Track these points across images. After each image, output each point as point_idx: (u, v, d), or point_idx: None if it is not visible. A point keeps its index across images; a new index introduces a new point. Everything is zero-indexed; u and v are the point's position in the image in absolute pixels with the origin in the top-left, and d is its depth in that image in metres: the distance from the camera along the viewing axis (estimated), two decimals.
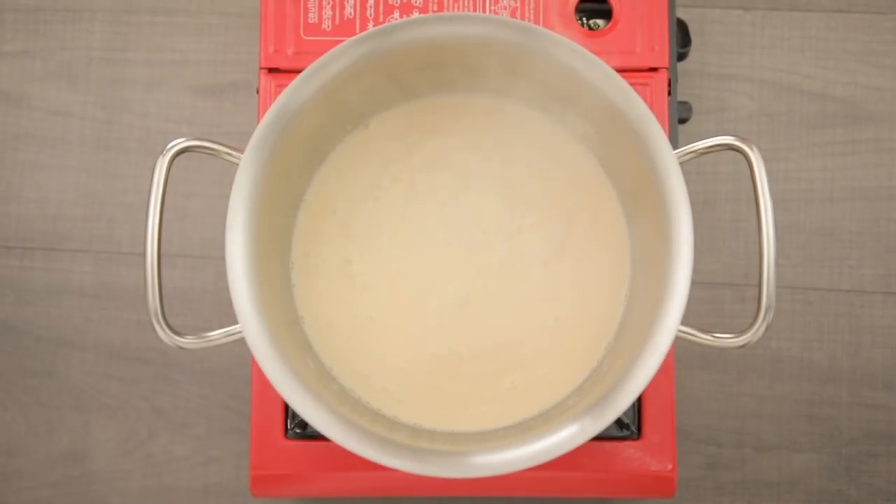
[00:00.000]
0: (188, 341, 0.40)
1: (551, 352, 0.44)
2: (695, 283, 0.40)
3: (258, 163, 0.40)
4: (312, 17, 0.47)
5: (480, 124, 0.45)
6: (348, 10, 0.47)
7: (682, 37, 0.49)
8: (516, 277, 0.44)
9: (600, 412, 0.38)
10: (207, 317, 0.57)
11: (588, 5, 0.47)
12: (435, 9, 0.47)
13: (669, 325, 0.38)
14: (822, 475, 0.55)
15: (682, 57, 0.49)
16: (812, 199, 0.57)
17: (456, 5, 0.47)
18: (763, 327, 0.39)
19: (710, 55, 0.58)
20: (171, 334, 0.40)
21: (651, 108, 0.41)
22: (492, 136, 0.45)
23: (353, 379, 0.43)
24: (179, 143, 0.41)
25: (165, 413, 0.56)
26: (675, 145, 0.45)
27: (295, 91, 0.40)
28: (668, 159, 0.39)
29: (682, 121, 0.49)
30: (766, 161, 0.50)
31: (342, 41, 0.40)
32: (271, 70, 0.46)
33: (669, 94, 0.46)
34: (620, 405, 0.37)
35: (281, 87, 0.45)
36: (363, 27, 0.47)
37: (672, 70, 0.47)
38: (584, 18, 0.47)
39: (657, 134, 0.39)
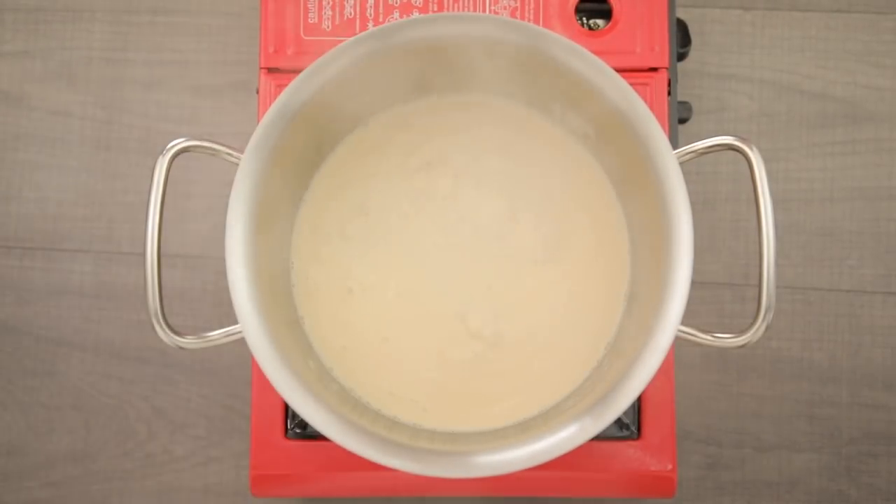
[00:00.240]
0: (188, 341, 0.40)
1: (551, 351, 0.44)
2: (695, 283, 0.40)
3: (258, 163, 0.40)
4: (312, 17, 0.47)
5: (479, 124, 0.45)
6: (348, 10, 0.47)
7: (682, 37, 0.49)
8: (516, 278, 0.44)
9: (600, 412, 0.38)
10: (207, 317, 0.57)
11: (588, 5, 0.47)
12: (435, 9, 0.47)
13: (669, 325, 0.38)
14: (822, 475, 0.55)
15: (682, 57, 0.49)
16: (812, 199, 0.57)
17: (456, 5, 0.47)
18: (763, 327, 0.39)
19: (710, 55, 0.58)
20: (171, 334, 0.40)
21: (651, 108, 0.41)
22: (492, 136, 0.45)
23: (376, 396, 0.44)
24: (179, 143, 0.41)
25: (165, 413, 0.56)
26: (675, 145, 0.45)
27: (295, 91, 0.40)
28: (668, 159, 0.39)
29: (682, 121, 0.49)
30: (766, 161, 0.50)
31: (342, 41, 0.40)
32: (271, 70, 0.46)
33: (669, 94, 0.46)
34: (620, 405, 0.37)
35: (281, 87, 0.45)
36: (363, 27, 0.47)
37: (672, 70, 0.47)
38: (584, 18, 0.47)
39: (657, 134, 0.39)
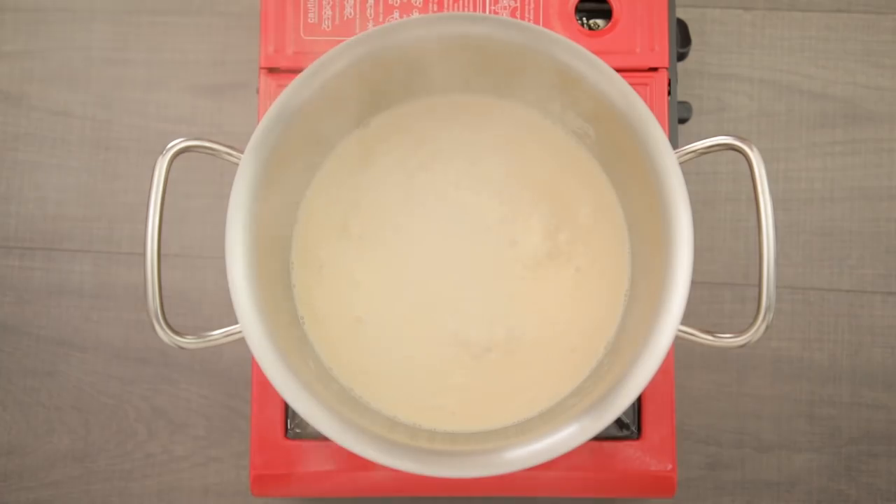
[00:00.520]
0: (188, 341, 0.40)
1: (551, 351, 0.44)
2: (695, 283, 0.40)
3: (258, 163, 0.40)
4: (312, 17, 0.47)
5: (480, 124, 0.45)
6: (348, 10, 0.47)
7: (682, 37, 0.49)
8: (516, 278, 0.44)
9: (600, 412, 0.38)
10: (207, 317, 0.57)
11: (588, 5, 0.47)
12: (435, 9, 0.47)
13: (669, 325, 0.38)
14: (822, 475, 0.55)
15: (682, 57, 0.49)
16: (812, 199, 0.57)
17: (456, 5, 0.47)
18: (763, 327, 0.39)
19: (710, 55, 0.58)
20: (171, 334, 0.40)
21: (651, 108, 0.41)
22: (492, 135, 0.45)
23: (376, 396, 0.44)
24: (179, 143, 0.41)
25: (165, 413, 0.56)
26: (675, 145, 0.45)
27: (295, 91, 0.40)
28: (668, 159, 0.39)
29: (682, 121, 0.49)
30: (766, 161, 0.50)
31: (342, 41, 0.40)
32: (271, 70, 0.46)
33: (669, 94, 0.46)
34: (620, 405, 0.37)
35: (281, 87, 0.45)
36: (363, 27, 0.47)
37: (672, 70, 0.47)
38: (584, 18, 0.47)
39: (657, 134, 0.39)
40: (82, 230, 0.58)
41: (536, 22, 0.46)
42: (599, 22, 0.47)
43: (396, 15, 0.47)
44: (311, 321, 0.44)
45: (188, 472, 0.56)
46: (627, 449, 0.46)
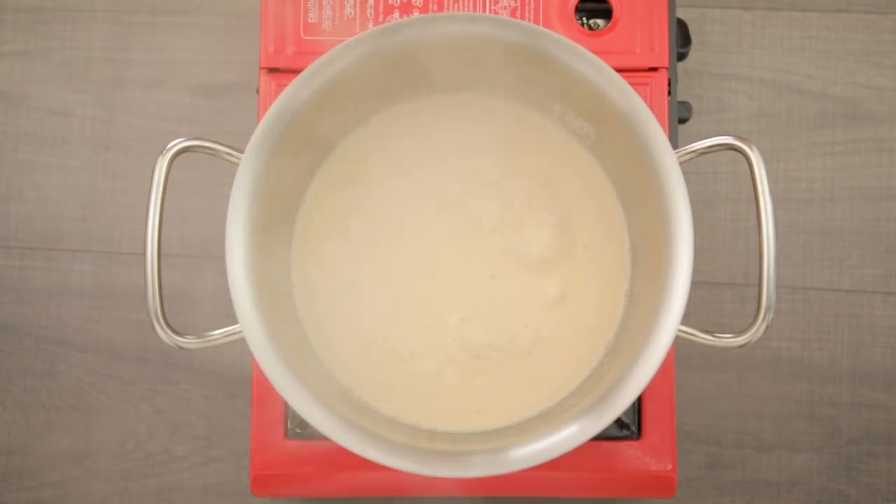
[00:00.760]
0: (188, 341, 0.40)
1: (551, 351, 0.44)
2: (695, 283, 0.40)
3: (258, 163, 0.40)
4: (312, 17, 0.47)
5: (480, 124, 0.45)
6: (348, 10, 0.47)
7: (682, 37, 0.49)
8: (516, 277, 0.44)
9: (600, 412, 0.37)
10: (207, 317, 0.57)
11: (588, 5, 0.47)
12: (435, 9, 0.47)
13: (669, 325, 0.38)
14: (822, 475, 0.55)
15: (682, 57, 0.49)
16: (812, 199, 0.57)
17: (456, 5, 0.47)
18: (763, 327, 0.39)
19: (710, 55, 0.58)
20: (171, 334, 0.40)
21: (651, 108, 0.41)
22: (492, 135, 0.45)
23: (376, 396, 0.44)
24: (179, 143, 0.41)
25: (165, 413, 0.56)
26: (675, 145, 0.45)
27: (295, 91, 0.40)
28: (668, 159, 0.39)
29: (682, 121, 0.48)
30: (766, 161, 0.50)
31: (342, 41, 0.40)
32: (271, 70, 0.46)
33: (669, 94, 0.46)
34: (620, 405, 0.37)
35: (281, 87, 0.45)
36: (363, 27, 0.47)
37: (672, 70, 0.47)
38: (584, 18, 0.47)
39: (657, 134, 0.39)
40: (82, 230, 0.58)
41: (536, 22, 0.46)
42: (599, 22, 0.47)
43: (396, 15, 0.47)
44: (310, 321, 0.44)
45: (188, 472, 0.56)
46: (627, 449, 0.46)
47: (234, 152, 0.41)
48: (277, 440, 0.46)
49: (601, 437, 0.41)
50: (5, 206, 0.58)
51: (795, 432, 0.55)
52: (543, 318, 0.44)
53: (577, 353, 0.44)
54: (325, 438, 0.38)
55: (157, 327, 0.40)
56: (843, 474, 0.55)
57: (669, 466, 0.45)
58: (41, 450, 0.56)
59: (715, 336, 0.39)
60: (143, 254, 0.40)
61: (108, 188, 0.58)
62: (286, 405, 0.46)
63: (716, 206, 0.57)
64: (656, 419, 0.46)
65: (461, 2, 0.47)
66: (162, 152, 0.40)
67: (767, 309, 0.39)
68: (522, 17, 0.46)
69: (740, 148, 0.40)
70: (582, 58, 0.40)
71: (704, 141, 0.40)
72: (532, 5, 0.47)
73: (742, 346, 0.39)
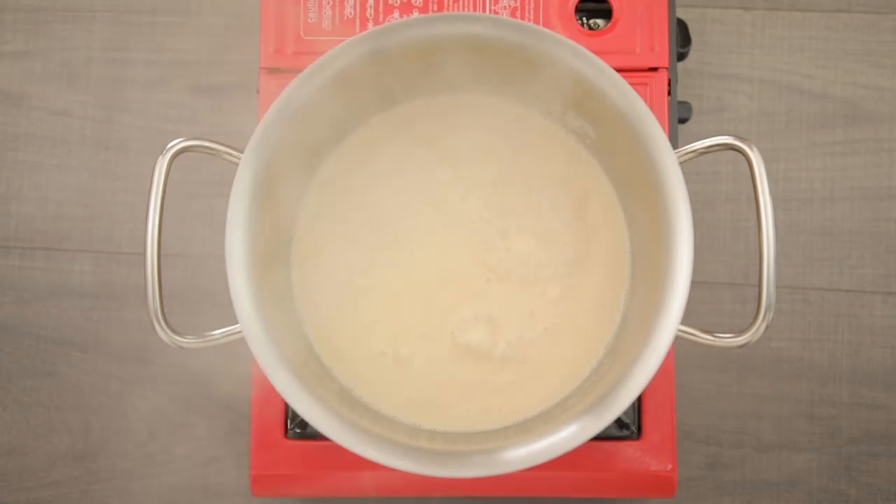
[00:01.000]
0: (188, 341, 0.40)
1: (551, 351, 0.44)
2: (695, 283, 0.40)
3: (258, 163, 0.40)
4: (312, 17, 0.47)
5: (480, 124, 0.45)
6: (348, 10, 0.47)
7: (682, 37, 0.49)
8: (516, 277, 0.44)
9: (600, 412, 0.38)
10: (207, 317, 0.57)
11: (588, 5, 0.47)
12: (435, 9, 0.47)
13: (669, 325, 0.38)
14: (822, 475, 0.55)
15: (682, 57, 0.49)
16: (812, 199, 0.57)
17: (456, 5, 0.47)
18: (763, 327, 0.39)
19: (710, 55, 0.58)
20: (171, 334, 0.40)
21: (651, 108, 0.41)
22: (491, 135, 0.45)
23: (375, 396, 0.44)
24: (179, 143, 0.41)
25: (165, 413, 0.56)
26: (675, 145, 0.45)
27: (295, 91, 0.40)
28: (668, 159, 0.39)
29: (682, 121, 0.49)
30: (766, 161, 0.50)
31: (342, 41, 0.40)
32: (271, 70, 0.46)
33: (669, 94, 0.46)
34: (620, 405, 0.37)
35: (281, 87, 0.45)
36: (363, 27, 0.47)
37: (672, 70, 0.47)
38: (584, 18, 0.47)
39: (657, 134, 0.39)
40: (82, 230, 0.58)
41: (536, 22, 0.46)
42: (599, 22, 0.47)
43: (396, 15, 0.47)
44: (310, 321, 0.44)
45: (188, 472, 0.56)
46: (627, 449, 0.46)
47: (234, 152, 0.41)
48: (277, 440, 0.46)
49: (601, 437, 0.41)
50: (5, 206, 0.58)
51: (795, 432, 0.55)
52: (543, 318, 0.44)
53: (577, 353, 0.43)
54: (325, 438, 0.38)
55: (157, 327, 0.40)
56: (843, 474, 0.55)
57: (669, 466, 0.45)
58: (41, 450, 0.56)
59: (715, 336, 0.39)
60: (143, 254, 0.40)
61: (108, 188, 0.58)
62: (286, 405, 0.46)
63: (716, 206, 0.57)
64: (656, 419, 0.46)
65: (461, 2, 0.47)
66: (162, 152, 0.40)
67: (767, 309, 0.39)
68: (522, 17, 0.46)
69: (740, 148, 0.40)
70: (582, 57, 0.40)
71: (704, 141, 0.40)
72: (532, 5, 0.47)
73: (742, 346, 0.39)
